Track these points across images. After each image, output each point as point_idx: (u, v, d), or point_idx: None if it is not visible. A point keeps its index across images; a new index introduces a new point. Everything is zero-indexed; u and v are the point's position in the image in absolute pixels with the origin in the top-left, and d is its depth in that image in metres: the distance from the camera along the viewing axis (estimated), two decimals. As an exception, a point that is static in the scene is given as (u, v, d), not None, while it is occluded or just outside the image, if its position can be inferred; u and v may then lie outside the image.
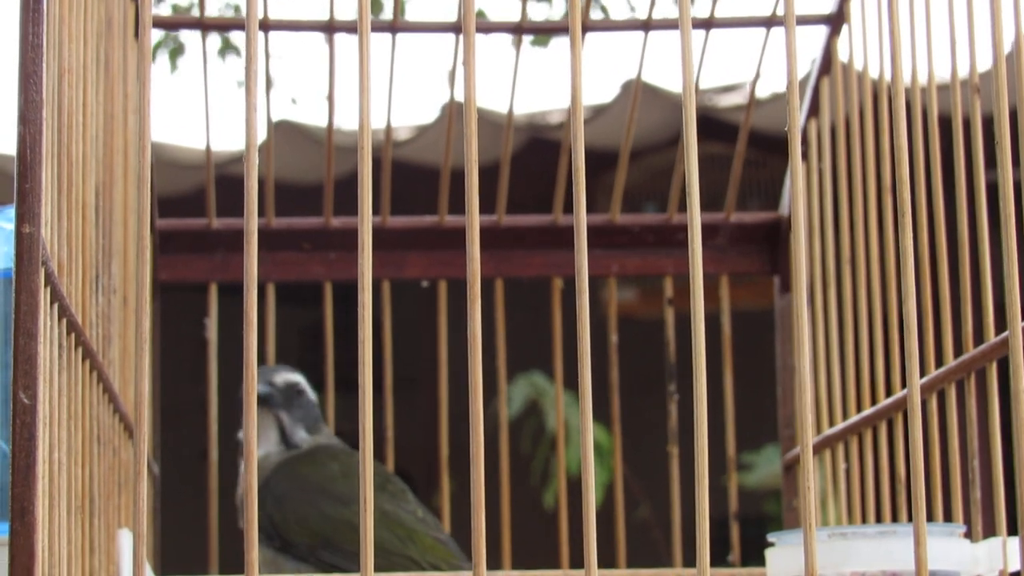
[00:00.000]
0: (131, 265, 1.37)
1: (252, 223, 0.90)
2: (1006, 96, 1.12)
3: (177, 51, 5.64)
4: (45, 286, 0.89)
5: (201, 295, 1.80)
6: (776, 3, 1.60)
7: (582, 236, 0.90)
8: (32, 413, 0.85)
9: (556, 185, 1.76)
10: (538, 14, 5.56)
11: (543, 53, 5.64)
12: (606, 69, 7.14)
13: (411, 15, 5.91)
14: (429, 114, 3.66)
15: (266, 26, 1.60)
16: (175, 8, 5.56)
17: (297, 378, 1.82)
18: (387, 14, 4.98)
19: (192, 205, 2.08)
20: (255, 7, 0.93)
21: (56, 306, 0.95)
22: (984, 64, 1.25)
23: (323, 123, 3.68)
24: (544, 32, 3.68)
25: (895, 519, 1.49)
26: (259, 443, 1.67)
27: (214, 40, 5.81)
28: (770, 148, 3.32)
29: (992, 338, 1.22)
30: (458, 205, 1.75)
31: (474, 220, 0.90)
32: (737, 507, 1.79)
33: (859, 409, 1.55)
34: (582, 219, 0.90)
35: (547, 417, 3.92)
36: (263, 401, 1.77)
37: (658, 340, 1.83)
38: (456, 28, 1.64)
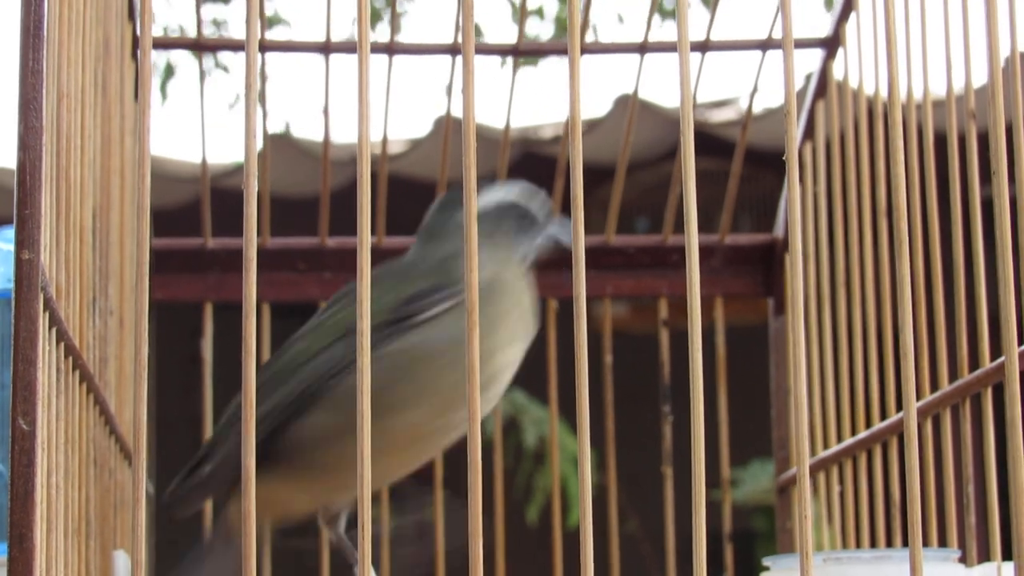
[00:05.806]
0: (127, 286, 1.37)
1: (251, 250, 0.90)
2: (1003, 117, 1.12)
3: (169, 72, 5.64)
4: (44, 311, 0.88)
5: (192, 310, 1.80)
6: (772, 27, 1.61)
7: (580, 263, 0.90)
8: (31, 439, 0.85)
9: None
10: (529, 29, 5.57)
11: (535, 67, 5.65)
12: (599, 83, 7.14)
13: (405, 25, 5.92)
14: (422, 128, 3.66)
15: (263, 47, 1.60)
16: (164, 27, 5.57)
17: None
18: (383, 26, 4.98)
19: (182, 219, 2.08)
20: (255, 31, 0.93)
21: (54, 330, 0.94)
22: (979, 82, 1.26)
23: (315, 136, 3.69)
24: (540, 53, 3.67)
25: (889, 542, 1.49)
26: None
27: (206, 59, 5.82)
28: (761, 163, 3.32)
29: (987, 364, 1.22)
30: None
31: (473, 250, 0.90)
32: (731, 527, 1.78)
33: (853, 431, 1.55)
34: (580, 248, 0.90)
35: (525, 433, 3.92)
36: None
37: (646, 355, 1.83)
38: (452, 50, 1.64)
